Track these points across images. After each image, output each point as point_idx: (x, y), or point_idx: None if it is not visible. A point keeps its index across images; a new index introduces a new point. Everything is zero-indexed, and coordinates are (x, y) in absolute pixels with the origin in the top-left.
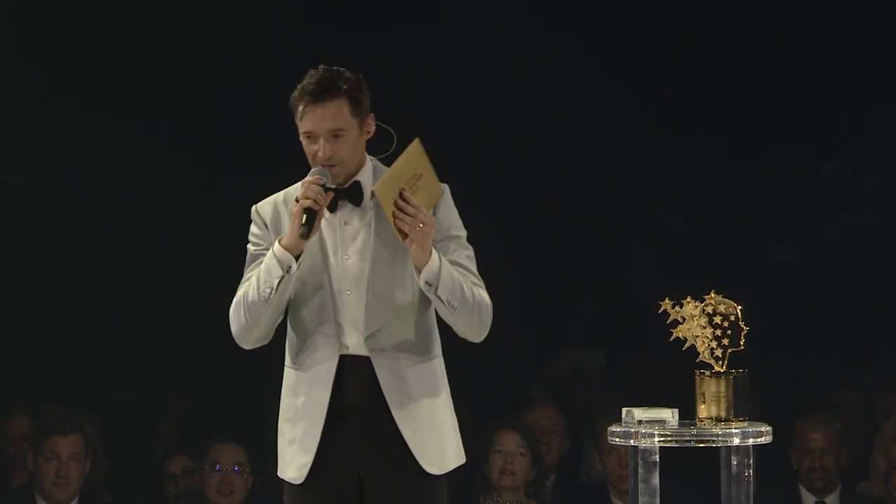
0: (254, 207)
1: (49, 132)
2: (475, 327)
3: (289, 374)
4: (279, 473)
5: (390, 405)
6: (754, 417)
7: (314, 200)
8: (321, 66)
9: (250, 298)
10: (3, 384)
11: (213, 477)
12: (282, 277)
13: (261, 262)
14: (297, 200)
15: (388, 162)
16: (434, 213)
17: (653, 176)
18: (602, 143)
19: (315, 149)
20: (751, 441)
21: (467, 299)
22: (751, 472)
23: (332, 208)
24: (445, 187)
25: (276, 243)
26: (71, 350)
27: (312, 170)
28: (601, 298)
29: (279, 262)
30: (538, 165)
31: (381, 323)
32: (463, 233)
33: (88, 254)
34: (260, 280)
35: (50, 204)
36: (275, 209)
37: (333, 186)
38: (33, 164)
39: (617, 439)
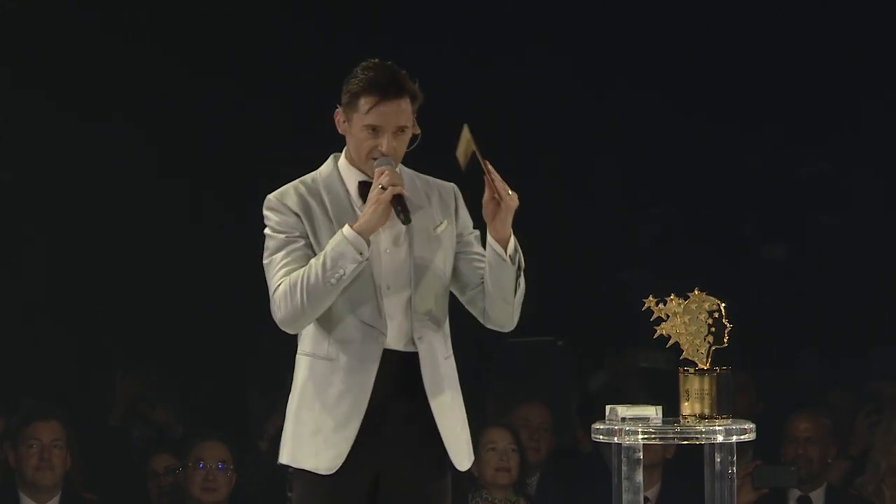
0: (272, 197)
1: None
2: (518, 309)
3: (314, 364)
4: (293, 462)
5: (431, 402)
6: (745, 416)
7: (399, 185)
8: (375, 61)
9: (312, 282)
10: None
11: (197, 474)
12: (359, 263)
13: (296, 249)
14: (382, 188)
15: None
16: (456, 212)
17: (642, 175)
18: (591, 142)
19: (373, 143)
20: (734, 438)
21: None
22: (734, 469)
23: None
24: (455, 187)
25: (348, 228)
26: (53, 348)
27: (379, 160)
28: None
29: (354, 247)
30: (530, 166)
31: (427, 319)
32: (477, 231)
33: (73, 251)
34: (327, 264)
35: (36, 201)
36: (300, 197)
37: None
38: (22, 162)
39: (601, 437)
